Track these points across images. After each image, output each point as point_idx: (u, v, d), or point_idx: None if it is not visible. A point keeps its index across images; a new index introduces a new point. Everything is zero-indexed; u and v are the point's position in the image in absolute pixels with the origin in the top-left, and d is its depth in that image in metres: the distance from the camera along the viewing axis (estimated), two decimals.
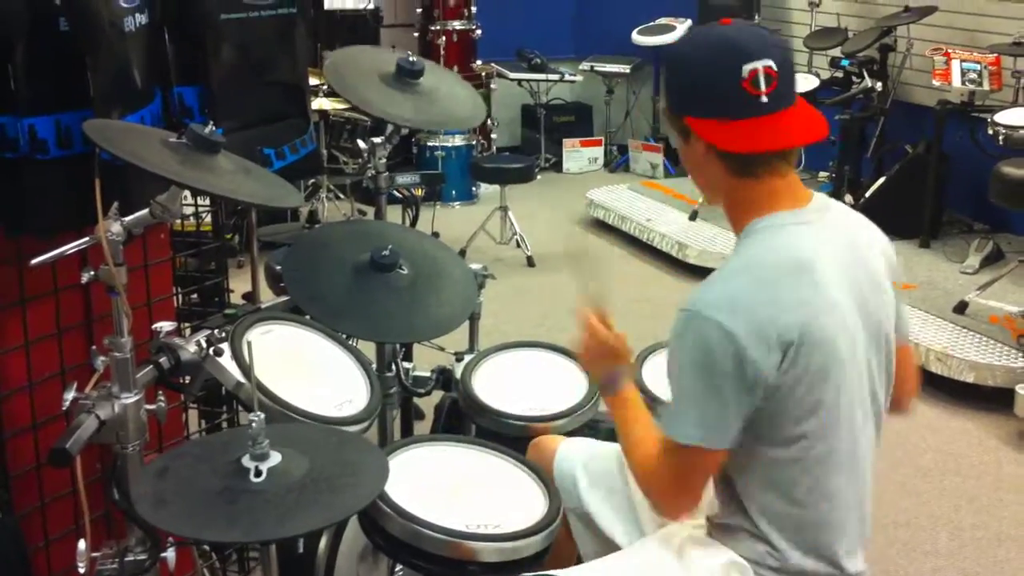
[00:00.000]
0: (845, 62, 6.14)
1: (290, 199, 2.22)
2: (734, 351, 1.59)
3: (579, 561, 2.09)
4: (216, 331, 2.07)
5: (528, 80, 7.90)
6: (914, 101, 6.11)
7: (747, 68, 1.61)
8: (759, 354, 1.59)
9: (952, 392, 4.16)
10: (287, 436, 1.78)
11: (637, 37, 7.68)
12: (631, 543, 2.00)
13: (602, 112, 8.34)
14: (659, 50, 7.55)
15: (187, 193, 1.93)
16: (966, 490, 3.57)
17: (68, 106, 1.93)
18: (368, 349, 2.48)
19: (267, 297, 2.70)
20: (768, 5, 7.31)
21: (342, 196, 6.45)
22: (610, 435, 2.29)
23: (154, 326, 2.02)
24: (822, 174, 6.48)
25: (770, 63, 1.62)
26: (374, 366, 2.42)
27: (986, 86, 5.33)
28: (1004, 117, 4.83)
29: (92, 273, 1.76)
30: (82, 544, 1.78)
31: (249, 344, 2.02)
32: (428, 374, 2.80)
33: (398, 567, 2.31)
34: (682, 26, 7.55)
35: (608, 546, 2.04)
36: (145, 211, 1.81)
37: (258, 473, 1.65)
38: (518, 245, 6.04)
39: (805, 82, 6.37)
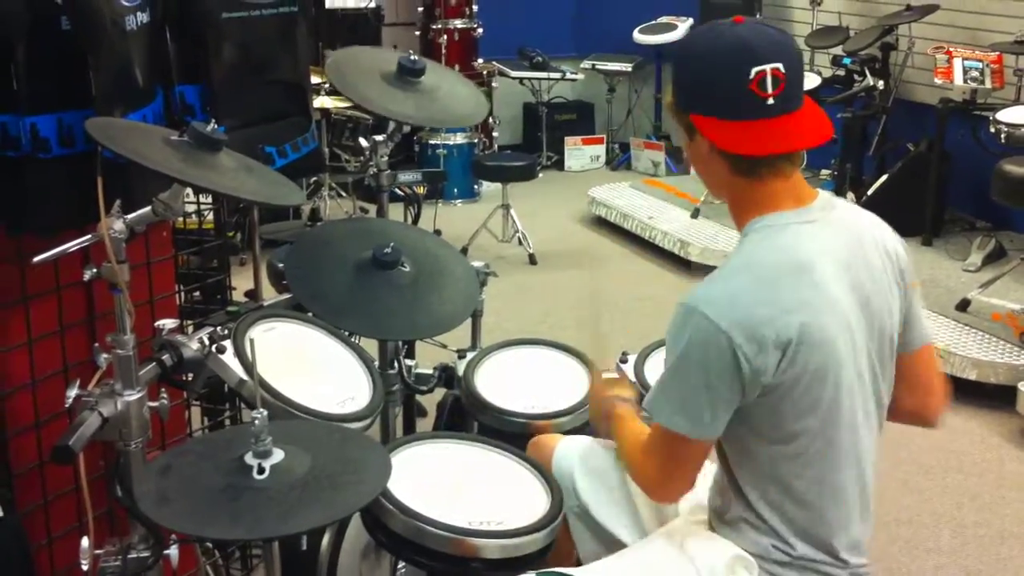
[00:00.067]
0: (847, 60, 6.14)
1: (292, 197, 2.22)
2: (730, 349, 1.59)
3: (578, 561, 2.09)
4: (218, 328, 2.07)
5: (530, 78, 7.90)
6: (916, 99, 6.11)
7: (755, 70, 1.61)
8: (755, 353, 1.59)
9: (954, 389, 4.14)
10: (290, 433, 1.78)
11: (638, 35, 7.69)
12: (631, 539, 2.00)
13: (604, 110, 8.35)
14: (661, 48, 7.56)
15: (189, 191, 1.93)
16: (968, 487, 3.57)
17: (70, 105, 1.93)
18: (370, 346, 2.48)
19: (269, 295, 2.71)
20: (770, 3, 7.30)
21: (344, 194, 6.45)
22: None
23: (157, 323, 2.01)
24: (824, 172, 6.48)
25: (778, 66, 1.61)
26: (376, 363, 2.42)
27: (988, 84, 5.32)
28: (1006, 115, 4.83)
29: (95, 271, 1.76)
30: (85, 541, 1.79)
31: (251, 341, 2.02)
32: (430, 371, 2.80)
33: (401, 564, 2.31)
34: (683, 25, 7.56)
35: (607, 544, 2.04)
36: (147, 209, 1.81)
37: (261, 470, 1.65)
38: (520, 243, 6.04)
39: (807, 81, 6.36)
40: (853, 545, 1.76)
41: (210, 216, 3.05)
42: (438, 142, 7.03)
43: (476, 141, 7.19)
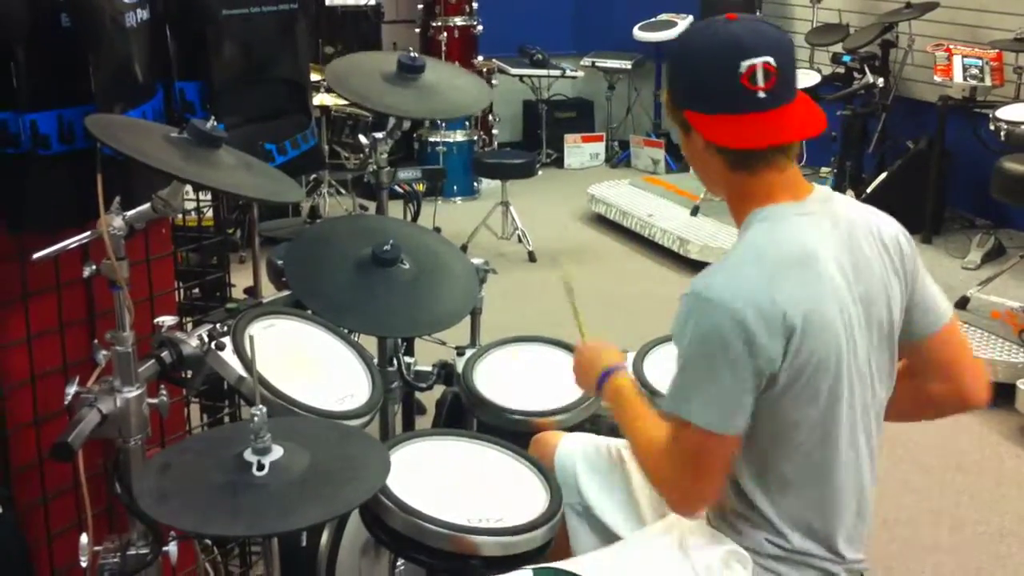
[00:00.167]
0: (847, 58, 6.14)
1: (291, 194, 2.22)
2: (743, 336, 1.58)
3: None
4: (218, 325, 2.07)
5: (529, 76, 7.90)
6: (916, 97, 6.11)
7: (745, 64, 1.62)
8: (766, 339, 1.59)
9: None
10: (289, 430, 1.78)
11: (638, 33, 7.69)
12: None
13: (603, 108, 8.34)
14: (660, 46, 7.56)
15: (188, 188, 1.93)
16: (967, 486, 3.57)
17: (70, 101, 1.93)
18: (370, 344, 2.48)
19: (269, 292, 2.71)
20: (770, 1, 7.31)
21: (343, 191, 6.45)
22: (612, 431, 2.30)
23: (156, 320, 2.02)
24: (824, 170, 6.47)
25: (769, 59, 1.62)
26: (376, 361, 2.42)
27: (988, 82, 5.33)
28: (1006, 113, 4.83)
29: (94, 268, 1.76)
30: (84, 538, 1.79)
31: (251, 338, 2.02)
32: (430, 369, 2.80)
33: (400, 561, 2.31)
34: (683, 22, 7.56)
35: (606, 541, 2.04)
36: (147, 206, 1.81)
37: (260, 467, 1.65)
38: (519, 240, 6.04)
39: (806, 78, 6.36)
40: (850, 539, 1.76)
41: (210, 213, 3.05)
42: (438, 139, 7.02)
43: (476, 138, 7.18)
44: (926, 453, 3.75)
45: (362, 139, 2.72)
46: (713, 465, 1.68)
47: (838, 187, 5.71)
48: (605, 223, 6.62)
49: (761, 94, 1.62)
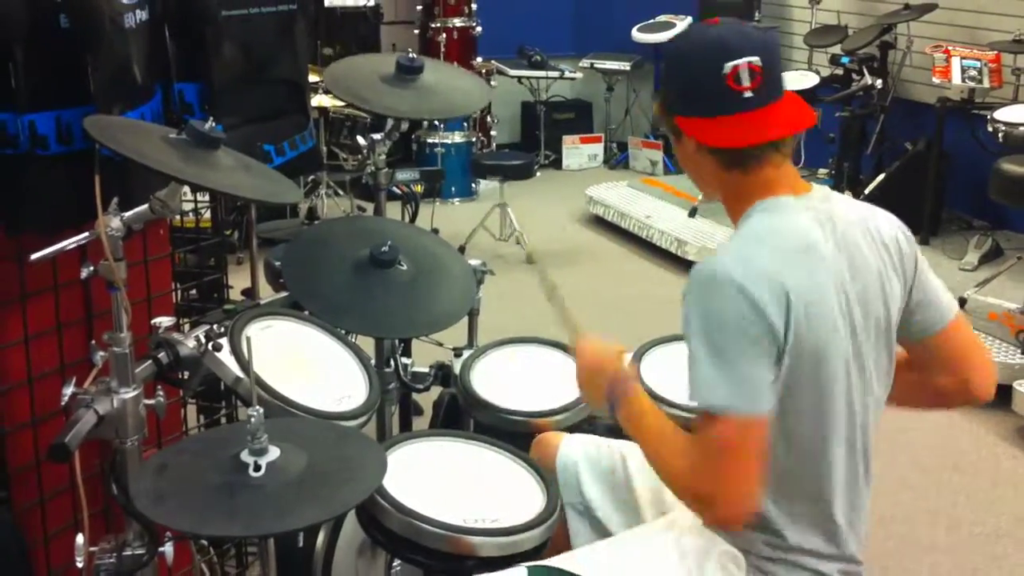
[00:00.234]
0: (845, 59, 6.15)
1: (289, 195, 2.23)
2: (756, 310, 1.57)
3: None
4: (215, 327, 2.08)
5: (528, 77, 7.90)
6: (914, 98, 6.12)
7: (729, 65, 1.63)
8: (776, 316, 1.58)
9: None
10: (286, 431, 1.78)
11: (637, 34, 7.69)
12: None
13: (602, 109, 8.35)
14: (659, 47, 7.56)
15: (187, 189, 1.93)
16: (964, 486, 3.57)
17: (69, 102, 1.93)
18: (367, 345, 2.48)
19: (266, 293, 2.71)
20: (769, 2, 7.31)
21: (341, 192, 6.45)
22: (609, 431, 2.30)
23: (153, 321, 2.02)
24: (822, 171, 6.49)
25: (754, 59, 1.64)
26: (373, 362, 2.42)
27: (986, 83, 5.33)
28: (1004, 114, 4.83)
29: (92, 269, 1.76)
30: (80, 539, 1.79)
31: (248, 340, 2.03)
32: (427, 370, 2.80)
33: (396, 562, 2.31)
34: (682, 23, 7.56)
35: (604, 534, 2.05)
36: (145, 207, 1.82)
37: (257, 468, 1.65)
38: (517, 242, 6.04)
39: (805, 79, 6.38)
40: (846, 535, 1.75)
41: (207, 214, 3.05)
42: (436, 140, 7.03)
43: (474, 140, 7.19)
44: (923, 453, 3.76)
45: (360, 140, 2.72)
46: (750, 454, 1.59)
47: (836, 188, 5.70)
48: (603, 224, 6.62)
49: (747, 94, 1.64)
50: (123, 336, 1.79)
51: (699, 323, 1.61)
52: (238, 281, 3.20)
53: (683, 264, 5.73)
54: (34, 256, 1.78)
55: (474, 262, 2.72)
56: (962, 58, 5.39)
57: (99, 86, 1.95)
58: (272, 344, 2.21)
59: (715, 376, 1.58)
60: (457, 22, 7.33)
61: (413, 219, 3.02)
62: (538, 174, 6.65)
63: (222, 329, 2.08)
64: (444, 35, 7.27)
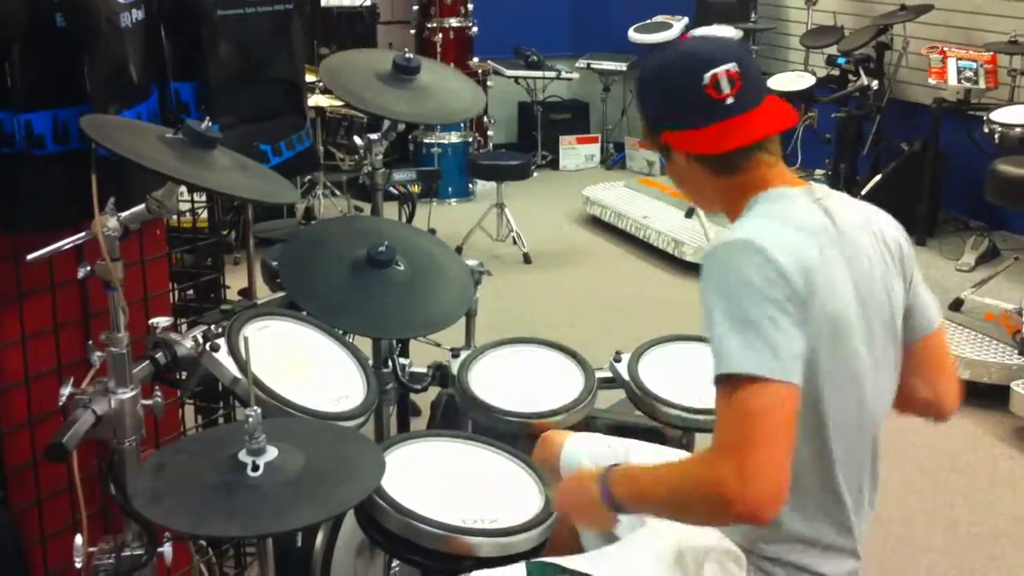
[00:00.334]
0: (841, 60, 6.15)
1: (286, 195, 2.23)
2: (778, 271, 1.54)
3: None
4: (213, 327, 2.07)
5: (525, 77, 7.90)
6: (910, 99, 6.13)
7: (708, 75, 1.65)
8: (798, 282, 1.55)
9: None
10: (284, 431, 1.78)
11: (634, 35, 7.69)
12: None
13: (599, 109, 8.35)
14: (656, 48, 7.56)
15: (183, 189, 1.93)
16: (962, 487, 3.58)
17: (65, 102, 1.93)
18: (365, 345, 2.48)
19: (263, 293, 2.71)
20: (764, 3, 7.32)
21: (338, 193, 6.45)
22: (607, 431, 2.30)
23: (151, 322, 2.02)
24: (818, 172, 6.49)
25: (731, 66, 1.65)
26: (371, 362, 2.42)
27: (982, 84, 5.34)
28: (1000, 115, 4.84)
29: (89, 268, 1.76)
30: (79, 539, 1.78)
31: (246, 340, 2.02)
32: (424, 370, 2.79)
33: (395, 562, 2.31)
34: (678, 24, 7.57)
35: (612, 538, 2.04)
36: (141, 207, 1.82)
37: (255, 468, 1.65)
38: (514, 242, 6.04)
39: (801, 80, 6.39)
40: (850, 525, 1.75)
41: (204, 214, 3.05)
42: (433, 141, 7.03)
43: (471, 140, 7.19)
44: (921, 453, 3.76)
45: (357, 140, 2.72)
46: (777, 426, 1.48)
47: (832, 189, 5.72)
48: (600, 225, 6.62)
49: (728, 100, 1.65)
50: (120, 336, 1.79)
51: (720, 299, 1.55)
52: (235, 281, 3.19)
53: (680, 264, 5.73)
54: (31, 256, 1.78)
55: (471, 262, 2.72)
56: (958, 59, 5.40)
57: (95, 85, 1.95)
58: (270, 344, 2.20)
59: (741, 343, 1.50)
60: (453, 22, 7.33)
61: (410, 219, 3.01)
62: (535, 174, 6.66)
63: (220, 329, 2.08)
64: (440, 35, 7.27)
